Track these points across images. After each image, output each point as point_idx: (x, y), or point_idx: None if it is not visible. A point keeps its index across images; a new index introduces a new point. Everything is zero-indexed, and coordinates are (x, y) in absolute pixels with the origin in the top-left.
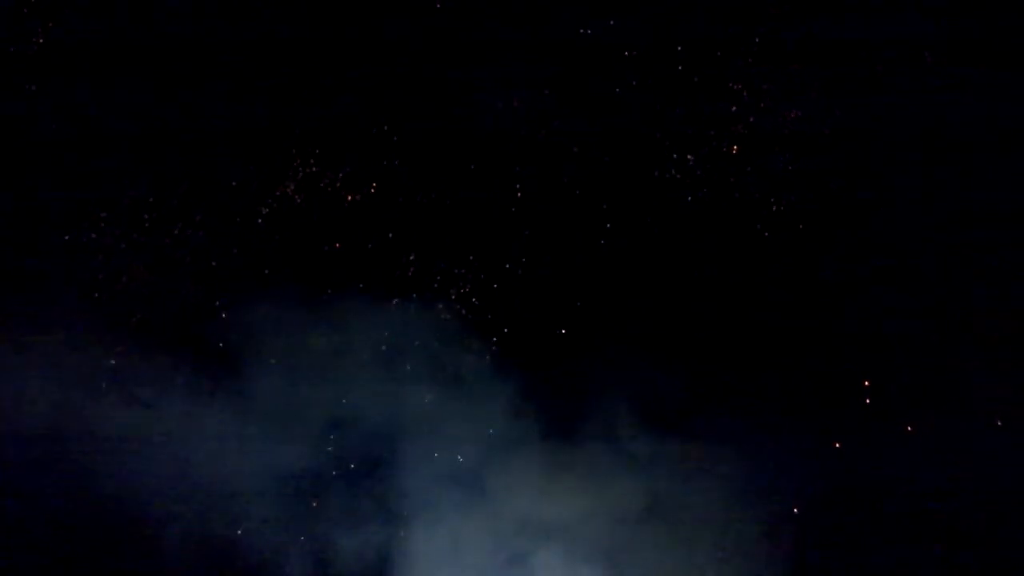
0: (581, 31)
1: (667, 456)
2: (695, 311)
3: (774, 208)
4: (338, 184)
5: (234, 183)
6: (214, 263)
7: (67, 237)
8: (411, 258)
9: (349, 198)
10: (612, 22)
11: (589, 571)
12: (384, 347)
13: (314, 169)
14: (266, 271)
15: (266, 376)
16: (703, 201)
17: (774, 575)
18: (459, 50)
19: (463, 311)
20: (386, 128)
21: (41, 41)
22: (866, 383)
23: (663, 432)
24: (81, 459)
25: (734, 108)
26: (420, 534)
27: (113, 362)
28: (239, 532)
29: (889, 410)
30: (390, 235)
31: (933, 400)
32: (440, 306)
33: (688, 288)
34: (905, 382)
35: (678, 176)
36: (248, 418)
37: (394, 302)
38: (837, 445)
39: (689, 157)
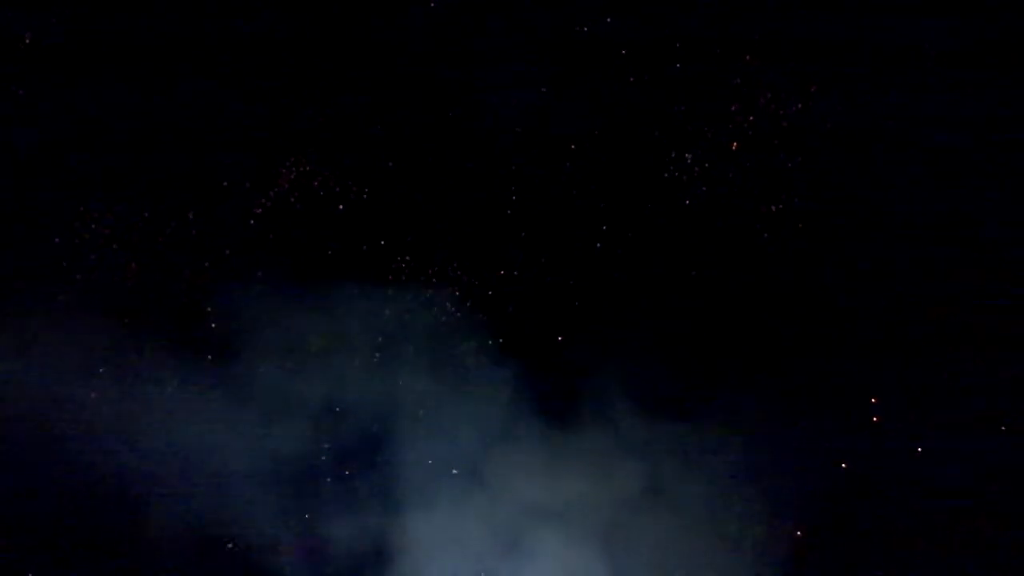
0: (579, 30)
1: (666, 445)
2: (695, 308)
3: (773, 206)
4: (332, 183)
5: (226, 183)
6: (207, 263)
7: (58, 239)
8: (407, 258)
9: (341, 205)
10: (609, 20)
11: (587, 558)
12: (381, 339)
13: (308, 168)
14: (259, 272)
15: (263, 369)
16: (702, 199)
17: (774, 563)
18: (458, 50)
19: (457, 311)
20: (384, 128)
21: (28, 40)
22: (872, 398)
23: (662, 422)
24: (77, 456)
25: (733, 107)
26: (417, 523)
27: (103, 364)
28: (238, 523)
29: (889, 409)
30: (387, 234)
31: (933, 398)
32: (436, 304)
33: (688, 285)
34: (905, 378)
35: (676, 174)
36: (247, 411)
37: (389, 297)
38: (843, 464)
39: (687, 155)
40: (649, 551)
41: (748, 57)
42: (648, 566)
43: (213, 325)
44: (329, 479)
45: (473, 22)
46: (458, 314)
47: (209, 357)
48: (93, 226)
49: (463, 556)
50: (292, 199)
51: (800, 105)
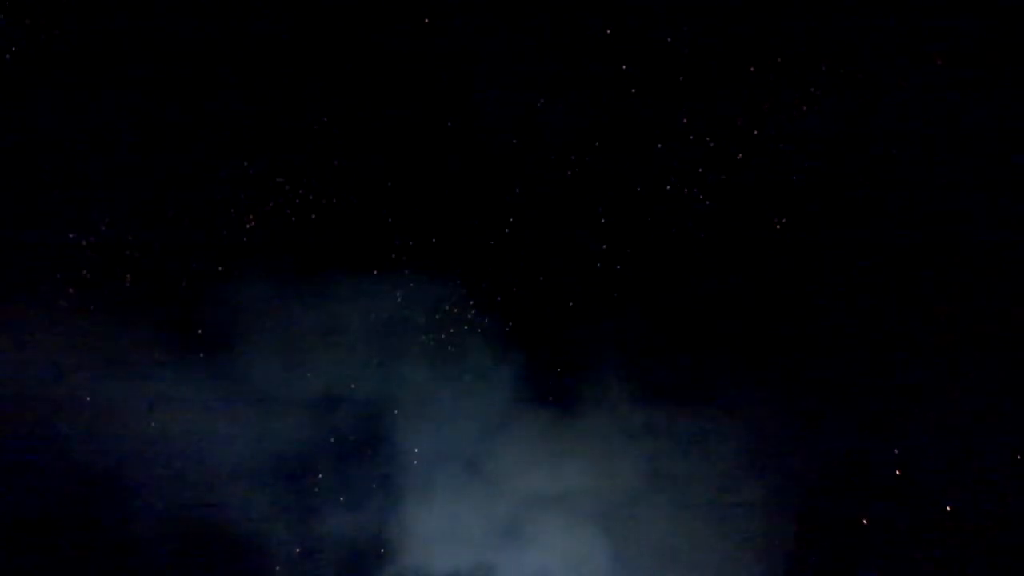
0: (581, 38)
1: (667, 433)
2: (697, 304)
3: (775, 211)
4: (330, 183)
5: (229, 182)
6: (206, 261)
7: (44, 243)
8: (407, 252)
9: (340, 203)
10: (608, 28)
11: (588, 546)
12: (381, 331)
13: (305, 169)
14: (259, 268)
15: (264, 363)
16: (704, 202)
17: (775, 552)
18: (459, 50)
19: (458, 302)
20: (383, 129)
21: (14, 49)
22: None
23: (663, 410)
24: (73, 453)
25: (735, 110)
26: (417, 514)
27: (99, 361)
28: (240, 516)
29: (888, 407)
30: (388, 229)
31: (933, 397)
32: (436, 296)
33: (690, 279)
34: (905, 376)
35: (678, 179)
36: (248, 405)
37: (390, 290)
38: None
39: (687, 160)
40: (650, 538)
41: (752, 68)
42: (649, 553)
43: (213, 321)
44: (329, 471)
45: (473, 29)
46: (459, 305)
47: (208, 352)
48: (83, 242)
49: (464, 546)
50: (288, 205)
51: (802, 110)
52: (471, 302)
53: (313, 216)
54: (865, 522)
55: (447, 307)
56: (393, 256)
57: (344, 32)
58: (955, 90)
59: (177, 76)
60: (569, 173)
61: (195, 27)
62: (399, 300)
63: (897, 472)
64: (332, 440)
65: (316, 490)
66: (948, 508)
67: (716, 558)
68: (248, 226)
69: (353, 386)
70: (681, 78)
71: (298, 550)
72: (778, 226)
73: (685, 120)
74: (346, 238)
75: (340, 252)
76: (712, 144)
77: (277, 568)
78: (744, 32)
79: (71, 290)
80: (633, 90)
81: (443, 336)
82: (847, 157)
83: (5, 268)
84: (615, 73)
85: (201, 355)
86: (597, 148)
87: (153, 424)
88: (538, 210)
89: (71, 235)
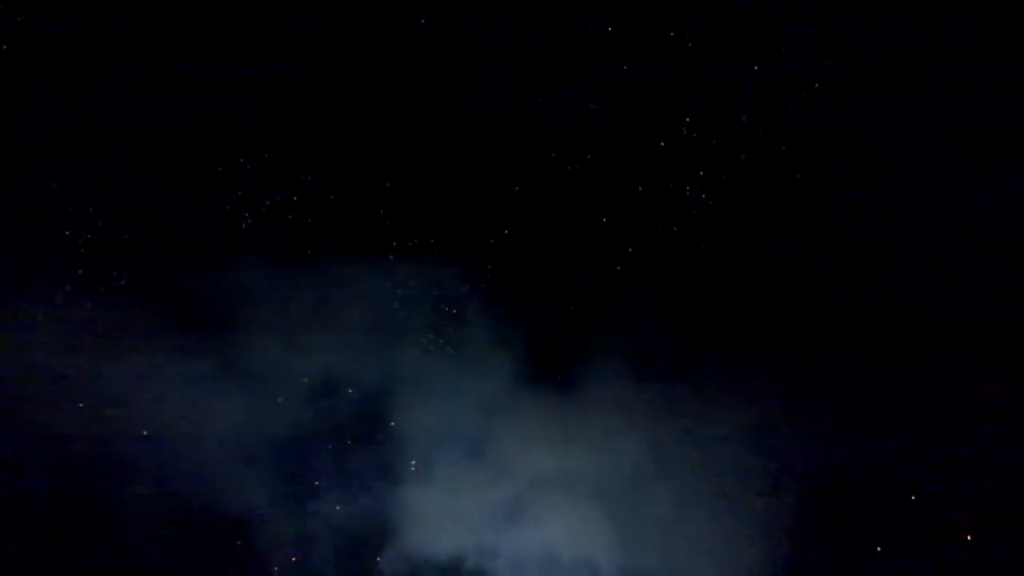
0: (581, 31)
1: (668, 412)
2: (699, 305)
3: (777, 211)
4: (327, 184)
5: (225, 183)
6: (197, 264)
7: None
8: (404, 258)
9: (342, 196)
10: (609, 26)
11: (590, 529)
12: (382, 314)
13: (303, 166)
14: (259, 255)
15: (266, 349)
16: (707, 202)
17: (776, 533)
18: (459, 50)
19: (458, 286)
20: (383, 125)
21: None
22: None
23: (664, 388)
24: (78, 452)
25: (738, 109)
26: (419, 494)
27: (101, 350)
28: (244, 502)
29: (889, 408)
30: (389, 212)
31: (936, 396)
32: (437, 280)
33: (692, 282)
34: (908, 373)
35: (678, 178)
36: (252, 390)
37: (389, 273)
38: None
39: (688, 159)
40: (653, 520)
41: (755, 68)
42: (652, 534)
43: (212, 319)
44: (331, 457)
45: (476, 24)
46: (458, 305)
47: (208, 351)
48: (80, 240)
49: (467, 529)
50: (286, 201)
51: (804, 109)
52: (471, 302)
53: (312, 214)
54: (879, 550)
55: (446, 307)
56: (392, 257)
57: (344, 30)
58: (955, 90)
59: (175, 74)
60: (570, 169)
61: (195, 26)
62: (398, 299)
63: (913, 497)
64: (333, 426)
65: (318, 475)
66: (949, 508)
67: (718, 540)
68: (244, 224)
69: (353, 374)
70: (683, 76)
71: (299, 537)
72: (781, 226)
73: (688, 119)
74: (345, 235)
75: (340, 249)
76: (714, 143)
77: (277, 557)
78: (747, 29)
79: (68, 287)
80: (634, 89)
81: (443, 332)
82: (851, 156)
83: (3, 267)
84: (615, 72)
85: (200, 354)
86: (598, 147)
87: (152, 419)
88: (538, 208)
89: (68, 232)
